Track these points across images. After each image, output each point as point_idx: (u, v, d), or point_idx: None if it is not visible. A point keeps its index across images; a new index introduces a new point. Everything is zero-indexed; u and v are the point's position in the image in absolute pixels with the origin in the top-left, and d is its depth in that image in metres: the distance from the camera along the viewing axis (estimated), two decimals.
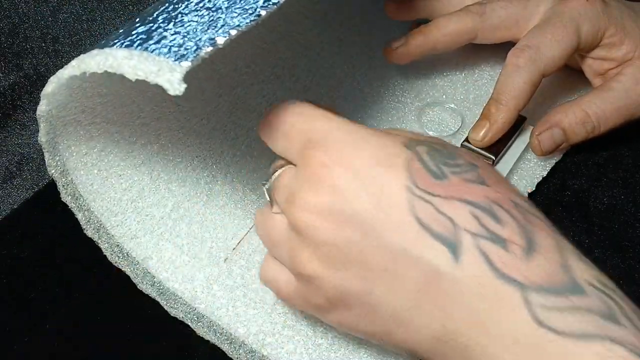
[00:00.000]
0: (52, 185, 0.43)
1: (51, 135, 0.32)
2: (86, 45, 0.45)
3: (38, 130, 0.44)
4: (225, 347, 0.35)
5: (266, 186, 0.31)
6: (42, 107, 0.30)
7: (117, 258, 0.35)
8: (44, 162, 0.44)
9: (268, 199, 0.31)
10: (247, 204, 0.39)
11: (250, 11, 0.27)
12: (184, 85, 0.24)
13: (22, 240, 0.40)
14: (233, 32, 0.26)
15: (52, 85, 0.29)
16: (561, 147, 0.41)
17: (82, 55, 0.28)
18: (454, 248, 0.25)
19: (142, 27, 0.28)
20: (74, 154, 0.33)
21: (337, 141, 0.27)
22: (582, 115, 0.40)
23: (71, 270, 0.39)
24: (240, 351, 0.34)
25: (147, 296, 0.36)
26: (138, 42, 0.27)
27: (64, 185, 0.34)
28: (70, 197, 0.34)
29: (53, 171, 0.33)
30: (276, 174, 0.30)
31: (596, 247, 0.39)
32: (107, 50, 0.27)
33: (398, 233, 0.26)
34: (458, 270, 0.25)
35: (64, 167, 0.33)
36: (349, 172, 0.26)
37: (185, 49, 0.25)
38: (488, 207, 0.26)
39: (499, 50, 0.43)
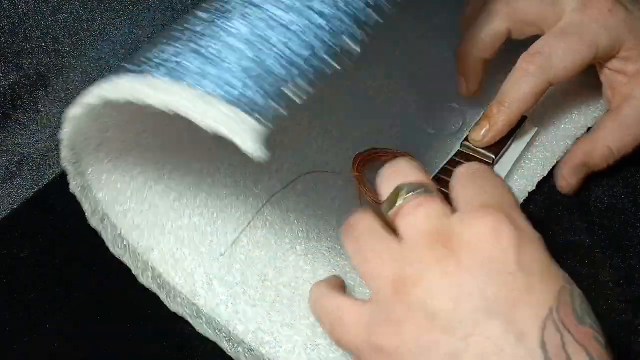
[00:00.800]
0: (52, 185, 0.44)
1: (72, 132, 0.31)
2: (86, 45, 0.45)
3: (38, 130, 0.44)
4: (224, 345, 0.35)
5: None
6: (65, 130, 0.30)
7: (119, 250, 0.35)
8: (44, 162, 0.44)
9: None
10: (249, 196, 0.39)
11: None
12: (266, 153, 0.23)
13: (22, 240, 0.40)
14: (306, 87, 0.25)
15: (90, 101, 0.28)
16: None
17: (121, 80, 0.26)
18: None
19: (196, 55, 0.26)
20: (89, 147, 0.33)
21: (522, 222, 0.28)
22: (607, 152, 0.40)
23: (71, 270, 0.39)
24: (239, 349, 0.34)
25: (147, 296, 0.36)
26: (193, 75, 0.25)
27: (74, 176, 0.33)
28: (80, 188, 0.34)
29: (67, 163, 0.32)
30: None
31: (597, 247, 0.39)
32: (159, 82, 0.25)
33: (516, 339, 0.25)
34: None
35: (78, 158, 0.33)
36: (513, 251, 0.27)
37: (261, 102, 0.24)
38: None
39: (505, 51, 0.43)
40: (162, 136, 0.36)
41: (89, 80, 0.45)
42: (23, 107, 0.43)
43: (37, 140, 0.44)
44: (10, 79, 0.43)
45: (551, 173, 0.43)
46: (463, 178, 0.31)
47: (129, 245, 0.35)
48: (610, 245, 0.40)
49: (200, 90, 0.25)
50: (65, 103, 0.44)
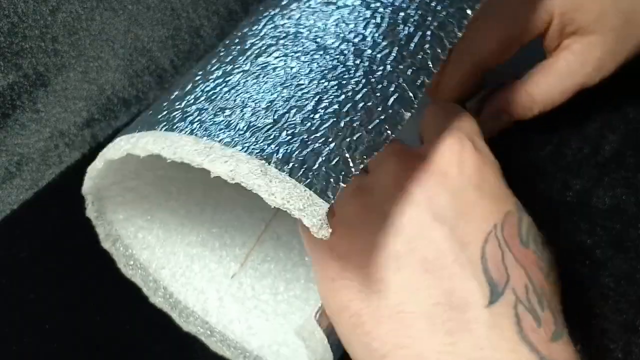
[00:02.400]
0: (51, 186, 0.44)
1: (94, 183, 0.31)
2: (86, 45, 0.45)
3: (38, 130, 0.44)
4: None
5: None
6: (87, 186, 0.30)
7: (130, 270, 0.35)
8: (44, 163, 0.44)
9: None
10: (255, 210, 0.39)
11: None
12: (329, 230, 0.22)
13: (21, 241, 0.41)
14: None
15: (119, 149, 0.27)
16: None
17: (158, 134, 0.25)
18: (495, 294, 0.26)
19: (250, 114, 0.24)
20: (109, 190, 0.33)
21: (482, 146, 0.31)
22: (529, 100, 0.40)
23: (71, 271, 0.39)
24: None
25: (147, 297, 0.36)
26: (249, 144, 0.23)
27: (93, 203, 0.33)
28: (96, 213, 0.33)
29: (88, 197, 0.32)
30: None
31: (598, 247, 0.40)
32: (215, 146, 0.23)
33: (459, 247, 0.27)
34: (486, 314, 0.26)
35: (100, 201, 0.33)
36: (474, 166, 0.29)
37: (331, 177, 0.23)
38: (540, 291, 0.28)
39: None
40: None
41: (89, 79, 0.45)
42: (22, 107, 0.43)
43: (37, 140, 0.44)
44: (9, 79, 0.43)
45: (553, 173, 0.43)
46: (432, 113, 0.33)
47: (140, 266, 0.35)
48: (611, 246, 0.40)
49: (259, 159, 0.23)
50: (65, 102, 0.45)
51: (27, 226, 0.41)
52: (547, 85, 0.40)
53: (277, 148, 0.23)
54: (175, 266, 0.36)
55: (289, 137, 0.24)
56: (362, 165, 0.24)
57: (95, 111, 0.46)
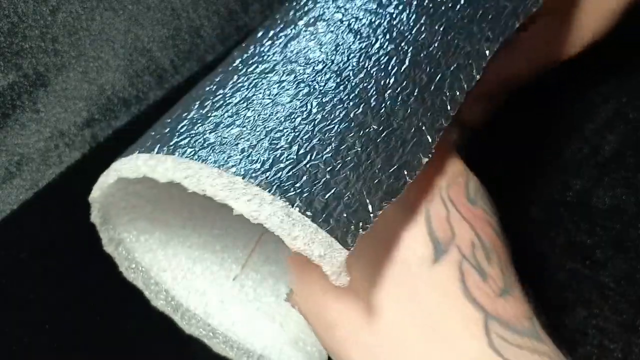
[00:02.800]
0: (51, 186, 0.44)
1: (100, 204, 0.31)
2: (86, 45, 0.45)
3: (38, 130, 0.44)
4: None
5: None
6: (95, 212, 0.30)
7: (132, 274, 0.35)
8: (44, 163, 0.44)
9: None
10: None
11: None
12: (347, 278, 0.22)
13: (21, 241, 0.41)
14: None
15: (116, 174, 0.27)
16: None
17: (175, 160, 0.24)
18: (439, 252, 0.26)
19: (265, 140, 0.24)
20: (117, 207, 0.33)
21: None
22: (494, 74, 0.39)
23: (71, 271, 0.39)
24: None
25: (147, 297, 0.36)
26: (267, 175, 0.23)
27: (99, 210, 0.33)
28: (101, 219, 0.33)
29: (95, 208, 0.32)
30: None
31: (598, 248, 0.40)
32: (224, 176, 0.23)
33: (403, 209, 0.27)
34: (429, 272, 0.26)
35: (105, 213, 0.33)
36: None
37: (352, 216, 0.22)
38: (488, 247, 0.28)
39: None
40: None
41: (89, 79, 0.45)
42: (22, 107, 0.43)
43: (37, 140, 0.44)
44: (9, 79, 0.43)
45: (552, 173, 0.43)
46: None
47: (141, 269, 0.35)
48: (612, 246, 0.40)
49: (283, 201, 0.22)
50: (65, 102, 0.45)
51: (27, 226, 0.41)
52: (511, 60, 0.40)
53: (300, 190, 0.23)
54: (176, 269, 0.36)
55: (312, 178, 0.23)
56: (380, 212, 0.23)
57: (96, 111, 0.46)
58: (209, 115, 0.25)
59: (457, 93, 0.27)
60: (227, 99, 0.26)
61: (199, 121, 0.26)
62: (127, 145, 0.29)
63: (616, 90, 0.47)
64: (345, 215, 0.23)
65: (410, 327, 0.25)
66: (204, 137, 0.25)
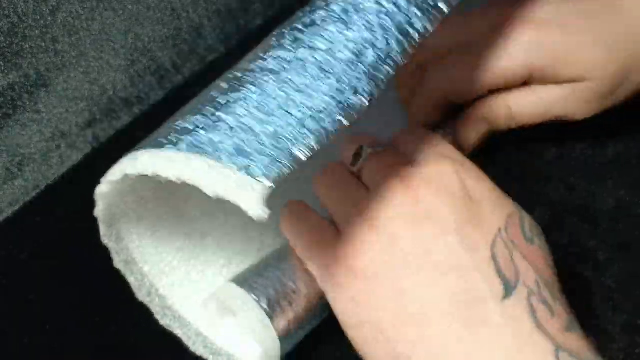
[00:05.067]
0: (53, 187, 0.45)
1: (108, 211, 0.32)
2: (86, 45, 0.46)
3: (39, 131, 0.45)
4: None
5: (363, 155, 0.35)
6: (101, 191, 0.31)
7: (145, 294, 0.36)
8: (45, 163, 0.45)
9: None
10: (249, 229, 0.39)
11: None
12: (267, 211, 0.24)
13: (22, 242, 0.41)
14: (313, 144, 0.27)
15: (109, 185, 0.30)
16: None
17: (144, 153, 0.27)
18: (509, 290, 0.29)
19: (206, 130, 0.27)
20: (124, 216, 0.34)
21: (471, 166, 0.34)
22: (506, 112, 0.42)
23: (71, 271, 0.40)
24: None
25: None
26: (203, 146, 0.26)
27: (104, 225, 0.33)
28: (113, 239, 0.34)
29: (101, 219, 0.33)
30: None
31: (601, 249, 0.41)
32: (170, 152, 0.27)
33: (470, 251, 0.30)
34: (502, 307, 0.29)
35: (113, 221, 0.34)
36: (462, 185, 0.32)
37: (267, 161, 0.26)
38: (551, 284, 0.31)
39: None
40: None
41: (90, 79, 0.46)
42: (23, 107, 0.44)
43: (38, 141, 0.44)
44: (10, 79, 0.43)
45: (556, 174, 0.44)
46: (412, 134, 0.37)
47: (152, 287, 0.36)
48: (615, 247, 0.41)
49: (209, 159, 0.26)
50: (66, 102, 0.45)
51: (28, 227, 0.42)
52: (527, 105, 0.41)
53: (221, 141, 0.26)
54: (184, 289, 0.36)
55: (243, 142, 0.27)
56: (308, 153, 0.26)
57: (97, 111, 0.47)
58: (184, 119, 0.28)
59: (405, 46, 0.30)
60: (199, 105, 0.29)
61: (173, 124, 0.29)
62: (129, 145, 0.30)
63: None
64: (265, 155, 0.26)
65: (486, 350, 0.28)
66: (169, 131, 0.28)
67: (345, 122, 0.28)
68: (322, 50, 0.29)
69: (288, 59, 0.29)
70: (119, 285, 0.37)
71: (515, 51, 0.39)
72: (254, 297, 0.34)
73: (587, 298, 0.38)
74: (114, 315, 0.38)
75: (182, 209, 0.37)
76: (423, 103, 0.42)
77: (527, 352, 0.28)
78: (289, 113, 0.27)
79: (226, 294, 0.35)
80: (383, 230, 0.31)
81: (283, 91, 0.28)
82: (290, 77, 0.28)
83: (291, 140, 0.26)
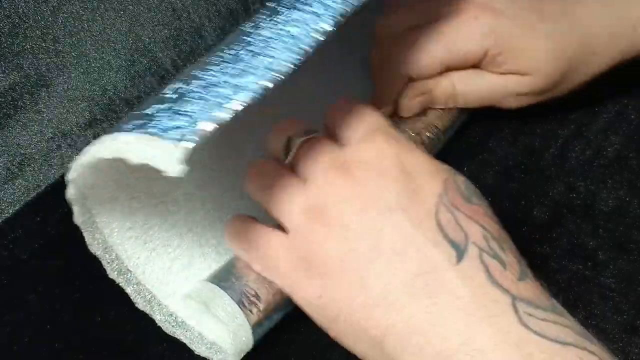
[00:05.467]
0: (53, 187, 0.45)
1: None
2: (87, 45, 0.46)
3: (40, 131, 0.45)
4: None
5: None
6: (70, 192, 0.32)
7: (143, 303, 0.37)
8: (46, 163, 0.45)
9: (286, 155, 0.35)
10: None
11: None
12: (186, 168, 0.26)
13: (23, 242, 0.42)
14: (236, 106, 0.29)
15: (76, 172, 0.31)
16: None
17: (96, 141, 0.30)
18: (460, 252, 0.30)
19: (150, 109, 0.30)
20: (101, 200, 0.35)
21: (402, 138, 0.34)
22: (451, 90, 0.44)
23: (72, 271, 0.40)
24: None
25: None
26: (143, 124, 0.29)
27: (79, 213, 0.34)
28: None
29: (76, 208, 0.34)
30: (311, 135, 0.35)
31: (601, 249, 0.41)
32: (115, 134, 0.29)
33: (417, 225, 0.31)
34: (457, 270, 0.30)
35: (88, 209, 0.34)
36: (397, 160, 0.33)
37: (188, 129, 0.28)
38: (498, 238, 0.31)
39: None
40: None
41: (90, 80, 0.46)
42: (24, 108, 0.44)
43: (39, 141, 0.44)
44: (11, 79, 0.43)
45: (556, 175, 0.44)
46: (340, 107, 0.36)
47: (153, 300, 0.37)
48: (615, 248, 0.41)
49: (138, 134, 0.28)
50: (67, 103, 0.45)
51: (28, 227, 0.42)
52: (471, 88, 0.44)
53: (161, 123, 0.29)
54: (173, 285, 0.37)
55: (170, 111, 0.29)
56: (228, 115, 0.28)
57: (98, 112, 0.47)
58: (144, 106, 0.31)
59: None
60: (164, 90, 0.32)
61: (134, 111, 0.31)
62: None
63: (617, 91, 0.48)
64: (189, 123, 0.28)
65: (449, 314, 0.29)
66: (130, 117, 0.31)
67: (270, 85, 0.30)
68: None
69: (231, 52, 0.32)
70: (119, 285, 0.37)
71: (474, 34, 0.42)
72: (226, 292, 0.35)
73: (587, 298, 0.39)
74: (115, 315, 0.38)
75: (164, 203, 0.38)
76: (388, 79, 0.44)
77: (486, 307, 0.29)
78: (216, 85, 0.30)
79: (201, 290, 0.36)
80: (329, 222, 0.32)
81: (221, 71, 0.31)
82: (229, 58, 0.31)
83: (216, 104, 0.29)
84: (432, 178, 0.32)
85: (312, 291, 0.32)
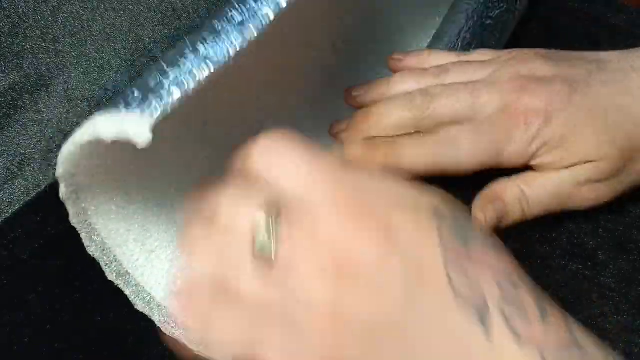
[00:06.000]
0: (53, 187, 0.44)
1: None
2: (87, 45, 0.46)
3: (39, 131, 0.45)
4: None
5: None
6: (62, 190, 0.32)
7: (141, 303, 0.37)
8: (46, 163, 0.45)
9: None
10: None
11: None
12: (150, 136, 0.28)
13: (23, 242, 0.42)
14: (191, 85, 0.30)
15: (61, 166, 0.32)
16: (500, 222, 0.41)
17: (79, 130, 0.31)
18: (484, 320, 0.27)
19: (130, 89, 0.32)
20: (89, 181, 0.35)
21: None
22: (519, 192, 0.41)
23: (72, 271, 0.40)
24: None
25: None
26: (115, 103, 0.30)
27: (70, 203, 0.34)
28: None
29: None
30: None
31: (600, 249, 0.41)
32: (92, 120, 0.30)
33: (431, 307, 0.28)
34: (487, 344, 0.27)
35: (78, 188, 0.34)
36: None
37: (154, 100, 0.29)
38: (508, 274, 0.29)
39: None
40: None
41: (90, 80, 0.46)
42: (24, 108, 0.44)
43: (39, 141, 0.45)
44: (10, 79, 0.43)
45: None
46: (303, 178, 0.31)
47: (150, 300, 0.37)
48: (615, 248, 0.41)
49: (108, 113, 0.30)
50: (67, 103, 0.46)
51: (28, 227, 0.42)
52: (540, 188, 0.40)
53: (130, 100, 0.30)
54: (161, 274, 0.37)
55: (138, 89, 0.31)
56: (193, 83, 0.30)
57: (98, 112, 0.47)
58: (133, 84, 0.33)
59: None
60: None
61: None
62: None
63: None
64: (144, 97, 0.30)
65: None
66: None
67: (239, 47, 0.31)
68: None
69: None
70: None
71: (522, 139, 0.39)
72: None
73: (585, 297, 0.39)
74: (115, 316, 0.39)
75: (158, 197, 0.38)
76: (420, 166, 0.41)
77: None
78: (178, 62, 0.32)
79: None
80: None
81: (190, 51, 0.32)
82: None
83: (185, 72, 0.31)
84: (421, 236, 0.29)
85: None
